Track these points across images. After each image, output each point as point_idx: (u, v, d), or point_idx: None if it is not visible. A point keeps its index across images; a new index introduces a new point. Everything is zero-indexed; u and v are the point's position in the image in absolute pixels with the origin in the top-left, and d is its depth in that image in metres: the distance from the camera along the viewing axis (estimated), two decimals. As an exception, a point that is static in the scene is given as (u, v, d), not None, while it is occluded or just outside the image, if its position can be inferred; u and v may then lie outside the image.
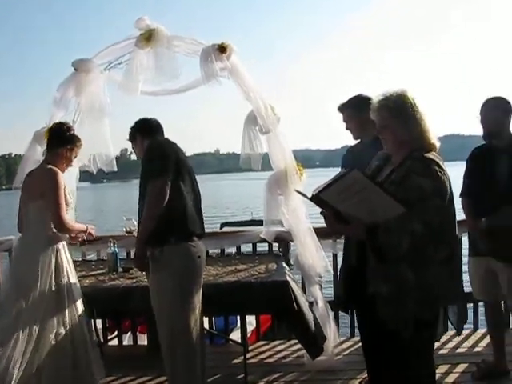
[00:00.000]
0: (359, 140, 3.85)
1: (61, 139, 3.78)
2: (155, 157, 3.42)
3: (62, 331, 3.48)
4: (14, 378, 3.25)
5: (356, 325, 4.84)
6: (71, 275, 3.67)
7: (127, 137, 3.84)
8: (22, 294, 3.46)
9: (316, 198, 2.44)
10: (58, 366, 3.45)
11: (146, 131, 3.72)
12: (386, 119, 2.65)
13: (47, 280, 3.49)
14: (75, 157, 3.91)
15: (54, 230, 3.62)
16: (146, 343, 5.30)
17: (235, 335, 5.49)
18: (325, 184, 2.39)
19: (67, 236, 3.76)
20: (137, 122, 3.79)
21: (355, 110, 3.72)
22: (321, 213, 2.62)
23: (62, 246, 3.67)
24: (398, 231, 2.41)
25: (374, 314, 2.62)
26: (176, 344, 3.40)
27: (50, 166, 3.68)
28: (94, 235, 4.07)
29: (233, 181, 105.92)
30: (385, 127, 2.66)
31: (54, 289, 3.51)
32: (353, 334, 5.09)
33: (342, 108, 3.84)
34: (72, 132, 3.87)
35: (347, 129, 3.85)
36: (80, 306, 3.64)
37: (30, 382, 3.36)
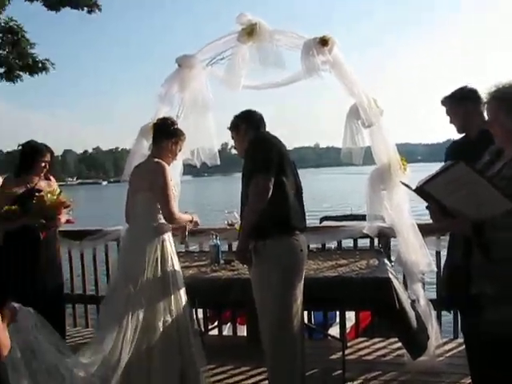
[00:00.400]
0: (464, 134, 3.69)
1: (165, 133, 3.90)
2: (259, 152, 3.43)
3: (169, 319, 3.60)
4: (123, 363, 3.40)
5: (460, 326, 4.69)
6: (176, 265, 3.78)
7: (229, 125, 3.86)
8: (130, 282, 3.59)
9: (420, 190, 2.37)
10: (167, 352, 3.57)
11: (250, 122, 3.73)
12: (496, 112, 2.51)
13: (154, 269, 3.62)
14: (180, 150, 4.02)
15: (161, 221, 3.73)
16: (245, 334, 5.39)
17: (333, 331, 5.47)
18: (429, 176, 2.31)
19: (171, 227, 3.87)
20: (242, 112, 3.81)
21: (460, 102, 3.57)
22: (427, 207, 2.54)
23: (168, 237, 3.78)
24: (506, 228, 2.29)
25: (479, 315, 2.50)
26: (278, 337, 3.42)
27: (157, 159, 3.79)
28: (199, 223, 4.18)
29: (332, 175, 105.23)
30: (495, 120, 2.53)
31: (160, 278, 3.63)
32: (456, 336, 4.90)
33: (446, 101, 3.70)
34: (176, 126, 3.98)
35: (451, 122, 3.70)
36: (184, 295, 3.74)
37: (141, 367, 3.52)
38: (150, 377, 3.54)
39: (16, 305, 2.62)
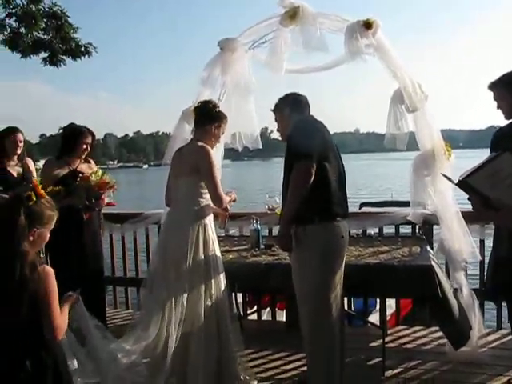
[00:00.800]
0: (511, 120, 3.58)
1: (208, 117, 3.89)
2: (302, 136, 3.38)
3: (209, 303, 3.63)
4: (170, 350, 3.47)
5: (504, 317, 4.60)
6: (217, 249, 3.80)
7: (272, 108, 3.81)
8: (172, 266, 3.63)
9: (463, 184, 2.31)
10: (206, 336, 3.60)
11: (295, 106, 3.67)
12: None
13: (195, 253, 3.63)
14: (222, 133, 4.01)
15: (202, 205, 3.74)
16: (284, 320, 5.39)
17: (373, 318, 5.42)
18: (472, 168, 2.26)
19: (212, 211, 3.88)
20: (287, 95, 3.75)
21: (508, 87, 3.46)
22: (468, 198, 2.48)
23: (209, 221, 3.79)
24: None
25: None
26: (317, 323, 3.40)
27: (200, 143, 3.79)
28: (236, 199, 4.19)
29: (372, 161, 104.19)
30: None
31: (201, 262, 3.65)
32: (500, 327, 4.82)
33: (493, 86, 3.57)
34: (218, 109, 3.96)
35: (498, 108, 3.59)
36: (223, 279, 3.76)
37: (179, 351, 3.54)
38: (188, 360, 3.58)
39: (71, 292, 2.70)
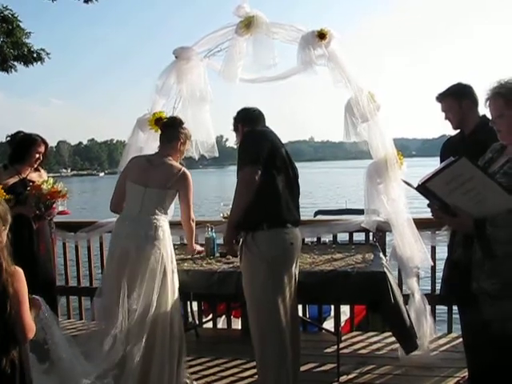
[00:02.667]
0: (459, 130, 3.69)
1: (177, 134, 3.94)
2: (248, 144, 3.44)
3: (161, 311, 3.61)
4: (135, 355, 3.46)
5: (454, 321, 4.71)
6: (173, 258, 3.80)
7: (231, 127, 3.88)
8: (129, 273, 3.60)
9: (422, 188, 2.36)
10: (168, 340, 3.62)
11: (246, 121, 3.73)
12: (501, 108, 2.50)
13: (148, 262, 3.61)
14: (186, 149, 4.10)
15: (163, 217, 3.79)
16: (239, 327, 5.40)
17: (328, 324, 5.47)
18: (431, 173, 2.30)
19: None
20: (238, 112, 3.82)
21: (455, 98, 3.56)
22: (428, 205, 2.53)
23: (168, 232, 3.80)
24: (507, 225, 2.29)
25: (478, 312, 2.51)
26: (265, 328, 3.40)
27: (178, 165, 3.89)
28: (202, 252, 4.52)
29: (327, 169, 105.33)
30: (500, 117, 2.52)
31: (154, 270, 3.62)
32: (450, 330, 4.94)
33: (441, 97, 3.68)
34: (184, 126, 4.01)
35: (446, 118, 3.69)
36: (176, 286, 3.77)
37: (142, 358, 3.52)
38: (152, 368, 3.57)
39: (36, 296, 2.66)
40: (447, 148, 3.71)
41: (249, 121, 3.72)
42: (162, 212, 3.79)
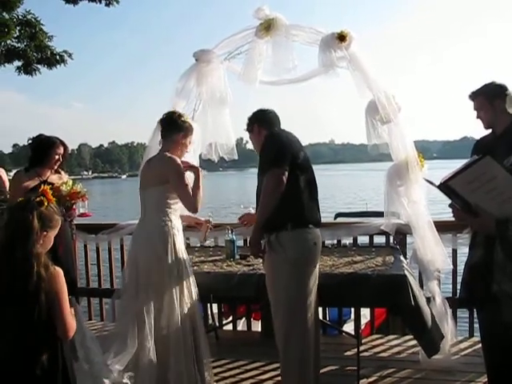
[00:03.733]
0: (490, 131, 3.65)
1: (174, 127, 3.90)
2: (273, 147, 3.46)
3: (184, 311, 3.62)
4: (153, 356, 3.47)
5: (475, 325, 4.66)
6: (186, 259, 3.78)
7: (245, 127, 3.89)
8: (142, 277, 3.63)
9: (444, 187, 2.33)
10: (184, 343, 3.60)
11: (263, 122, 3.75)
12: None
13: (166, 263, 3.62)
14: (189, 142, 4.01)
15: (170, 215, 3.73)
16: (259, 329, 5.40)
17: (348, 327, 5.45)
18: (454, 172, 2.28)
19: (182, 221, 3.90)
20: (254, 113, 3.83)
21: (487, 97, 3.53)
22: (450, 205, 2.51)
23: (178, 231, 3.77)
24: None
25: (499, 314, 2.48)
26: (291, 331, 3.42)
27: (168, 154, 3.79)
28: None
29: (348, 171, 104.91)
30: None
31: (172, 272, 3.63)
32: (472, 334, 4.89)
33: (474, 95, 3.65)
34: (183, 119, 3.96)
35: (478, 117, 3.66)
36: (194, 286, 3.75)
37: (160, 360, 3.52)
38: (170, 368, 3.56)
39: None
40: (479, 149, 3.66)
41: (265, 122, 3.75)
42: (164, 209, 3.72)
